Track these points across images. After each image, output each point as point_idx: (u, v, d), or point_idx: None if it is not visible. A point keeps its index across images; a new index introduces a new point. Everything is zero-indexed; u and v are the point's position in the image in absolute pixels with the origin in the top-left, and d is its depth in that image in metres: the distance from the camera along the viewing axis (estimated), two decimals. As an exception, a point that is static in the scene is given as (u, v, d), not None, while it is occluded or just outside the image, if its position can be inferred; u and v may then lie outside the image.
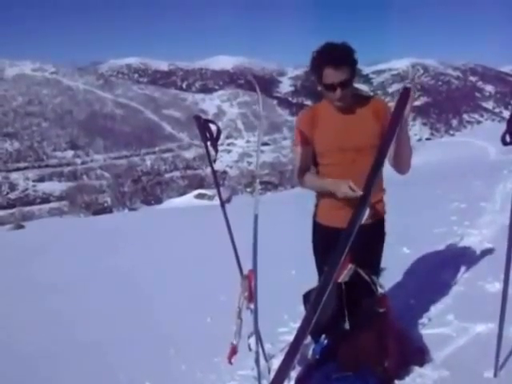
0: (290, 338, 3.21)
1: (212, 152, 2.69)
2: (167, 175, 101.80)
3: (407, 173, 2.53)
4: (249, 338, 2.62)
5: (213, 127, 2.65)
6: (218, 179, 3.04)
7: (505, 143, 2.38)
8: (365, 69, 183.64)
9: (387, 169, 2.41)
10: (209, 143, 2.63)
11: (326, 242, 2.47)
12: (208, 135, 2.59)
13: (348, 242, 1.95)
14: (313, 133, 2.44)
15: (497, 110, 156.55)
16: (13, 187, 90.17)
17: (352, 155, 2.39)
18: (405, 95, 2.26)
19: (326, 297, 1.91)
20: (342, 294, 2.29)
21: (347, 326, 2.32)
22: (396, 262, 3.94)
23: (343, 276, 2.24)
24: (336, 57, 2.22)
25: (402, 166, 2.48)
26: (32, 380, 3.50)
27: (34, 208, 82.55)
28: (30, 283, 6.35)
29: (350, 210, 2.19)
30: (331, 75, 2.24)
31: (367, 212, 2.19)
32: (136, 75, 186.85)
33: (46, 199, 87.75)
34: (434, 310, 3.42)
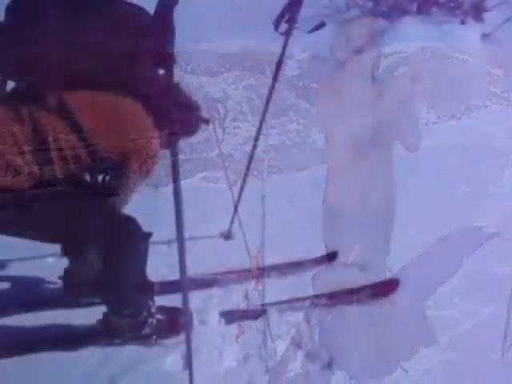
0: (297, 320, 3.23)
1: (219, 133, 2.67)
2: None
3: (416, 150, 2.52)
4: (256, 318, 2.63)
5: (220, 107, 2.62)
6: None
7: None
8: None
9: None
10: (216, 123, 2.60)
11: (337, 222, 2.44)
12: (216, 115, 2.56)
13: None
14: None
15: (505, 95, 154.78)
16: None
17: None
18: None
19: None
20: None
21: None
22: (401, 244, 3.92)
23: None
24: None
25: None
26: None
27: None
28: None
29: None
30: None
31: None
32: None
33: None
34: (440, 291, 3.41)
